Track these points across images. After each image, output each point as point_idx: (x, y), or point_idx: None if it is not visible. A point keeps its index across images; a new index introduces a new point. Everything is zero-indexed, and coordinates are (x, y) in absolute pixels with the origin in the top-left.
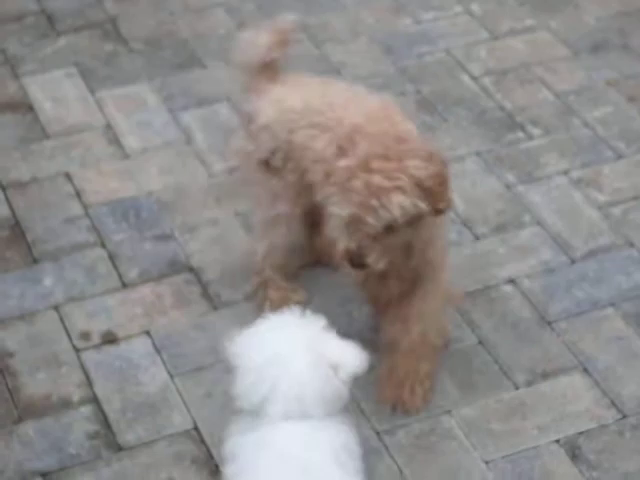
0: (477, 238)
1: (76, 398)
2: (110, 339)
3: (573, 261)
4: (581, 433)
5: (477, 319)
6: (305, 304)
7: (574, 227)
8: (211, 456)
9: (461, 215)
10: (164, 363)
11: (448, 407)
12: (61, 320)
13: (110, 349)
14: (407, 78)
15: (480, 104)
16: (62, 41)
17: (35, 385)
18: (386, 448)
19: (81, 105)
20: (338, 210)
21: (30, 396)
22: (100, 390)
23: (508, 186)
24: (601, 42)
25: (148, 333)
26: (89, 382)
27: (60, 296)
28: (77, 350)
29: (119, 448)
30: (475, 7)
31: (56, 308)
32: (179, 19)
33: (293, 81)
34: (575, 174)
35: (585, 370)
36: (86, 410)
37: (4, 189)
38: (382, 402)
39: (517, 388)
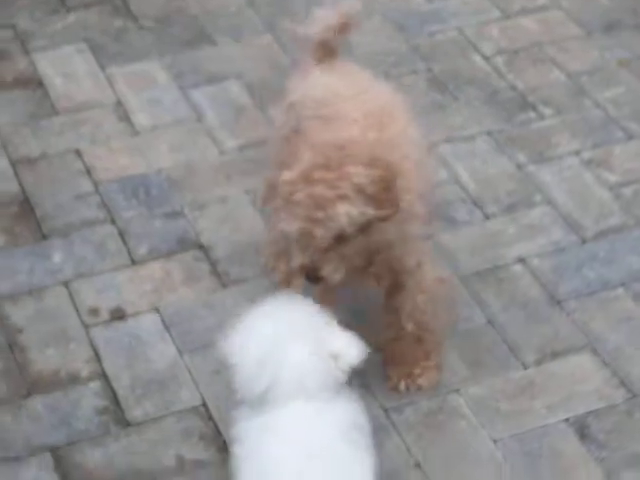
0: (487, 217)
1: (85, 374)
2: (119, 315)
3: (584, 241)
4: (590, 413)
5: (486, 298)
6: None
7: (585, 207)
8: (219, 432)
9: (472, 194)
10: (173, 340)
11: (456, 386)
12: (70, 296)
13: (119, 325)
14: (419, 56)
15: (492, 83)
16: (72, 17)
17: (44, 361)
18: (394, 426)
19: (91, 81)
20: (286, 226)
21: (39, 371)
22: (109, 366)
23: (519, 166)
24: (614, 22)
25: (157, 310)
26: (98, 358)
27: (69, 272)
28: (86, 326)
29: (127, 424)
30: None
31: (65, 284)
32: None
33: (338, 68)
34: (586, 154)
35: (594, 350)
36: (95, 386)
37: (13, 165)
38: (393, 385)
39: (526, 367)
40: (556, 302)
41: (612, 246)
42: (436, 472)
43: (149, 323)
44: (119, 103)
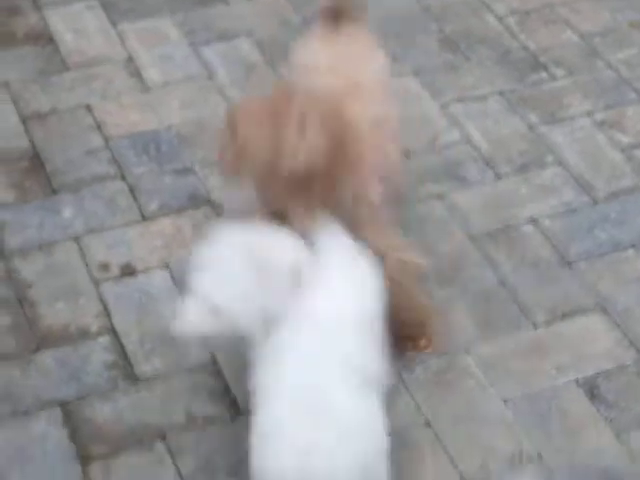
0: (499, 177)
1: (94, 329)
2: (129, 271)
3: (595, 202)
4: (599, 373)
5: (497, 258)
6: None
7: (597, 168)
8: (229, 389)
9: (483, 154)
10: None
11: (466, 345)
12: (80, 251)
13: (129, 281)
14: (431, 16)
15: (504, 44)
16: None
17: (53, 315)
18: (404, 384)
19: (102, 37)
20: (242, 181)
21: (48, 326)
22: (118, 321)
23: (531, 126)
24: None
25: (167, 266)
26: (107, 313)
27: (79, 227)
28: (96, 281)
29: (137, 379)
30: None
31: (75, 239)
32: None
33: (343, 35)
34: (598, 116)
35: (605, 311)
36: (104, 341)
37: (24, 120)
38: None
39: (536, 328)
40: (567, 263)
41: (623, 207)
42: (445, 431)
43: (159, 279)
44: (130, 59)
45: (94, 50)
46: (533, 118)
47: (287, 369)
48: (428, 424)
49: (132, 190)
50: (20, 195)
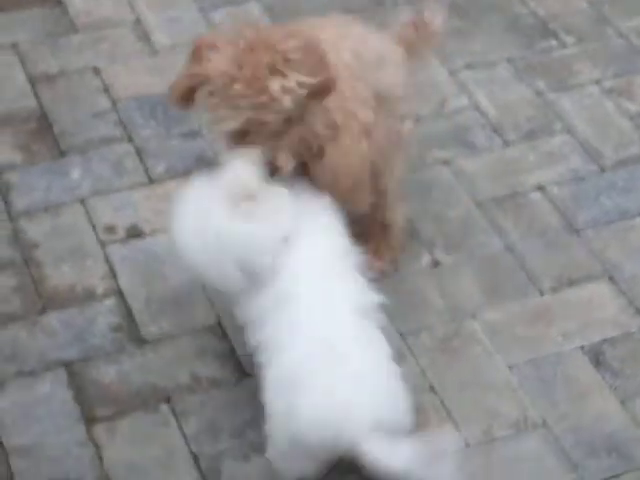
0: (507, 144)
1: (100, 290)
2: (136, 233)
3: (603, 170)
4: (605, 340)
5: (504, 225)
6: None
7: (605, 136)
8: (234, 351)
9: (491, 121)
10: None
11: (472, 311)
12: (87, 213)
13: (135, 243)
14: None
15: (513, 10)
16: None
17: (59, 276)
18: (409, 349)
19: (111, 0)
20: (232, 123)
21: (54, 287)
22: (124, 283)
23: (539, 93)
24: None
25: None
26: (113, 275)
27: (86, 189)
28: (102, 243)
29: (142, 341)
30: None
31: (82, 201)
32: None
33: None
34: (607, 83)
35: (611, 278)
36: (110, 302)
37: (32, 82)
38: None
39: (542, 294)
40: (574, 230)
41: (631, 175)
42: (450, 396)
43: (165, 242)
44: (138, 22)
45: (102, 12)
46: (541, 85)
47: (298, 320)
48: (433, 389)
49: (139, 153)
50: (27, 157)
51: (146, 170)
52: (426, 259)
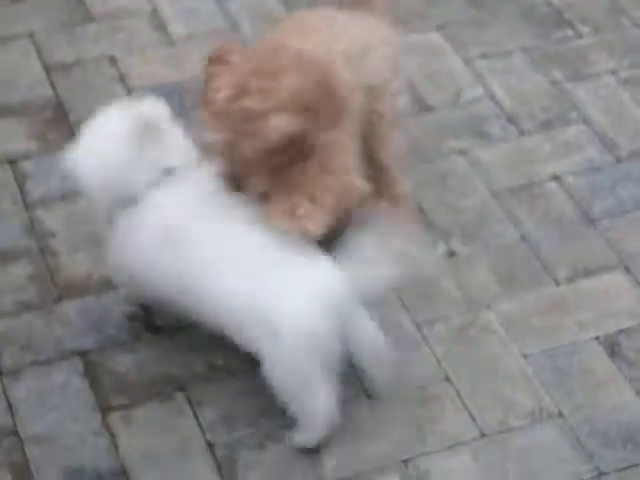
0: (522, 134)
1: None
2: None
3: (618, 160)
4: (621, 331)
5: (520, 215)
6: None
7: (620, 126)
8: None
9: (506, 111)
10: None
11: (488, 301)
12: None
13: None
14: None
15: (529, 0)
16: None
17: (75, 265)
18: (425, 339)
19: None
20: (211, 136)
21: (70, 276)
22: None
23: (555, 83)
24: None
25: None
26: None
27: None
28: None
29: (158, 330)
30: None
31: None
32: None
33: (351, 21)
34: (623, 74)
35: (627, 269)
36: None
37: (47, 70)
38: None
39: (558, 284)
40: (590, 220)
41: None
42: (466, 386)
43: None
44: (155, 11)
45: (119, 2)
46: (557, 75)
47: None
48: (448, 379)
49: None
50: (43, 146)
51: None
52: (442, 249)
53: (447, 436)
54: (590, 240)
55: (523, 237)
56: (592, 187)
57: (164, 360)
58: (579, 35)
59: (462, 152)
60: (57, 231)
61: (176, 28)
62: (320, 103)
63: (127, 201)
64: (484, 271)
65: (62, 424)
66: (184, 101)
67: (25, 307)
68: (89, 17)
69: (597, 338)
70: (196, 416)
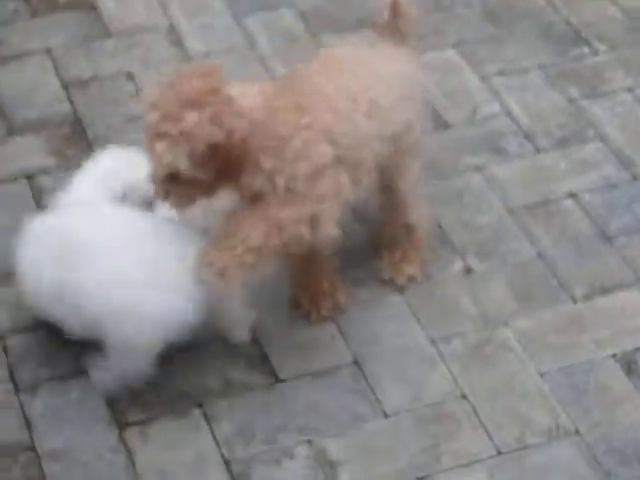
0: (538, 151)
1: None
2: None
3: (635, 178)
4: (638, 349)
5: (536, 232)
6: None
7: (637, 144)
8: (266, 356)
9: (523, 128)
10: None
11: (504, 318)
12: None
13: None
14: None
15: (546, 17)
16: None
17: None
18: (441, 356)
19: (144, 5)
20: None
21: None
22: None
23: (571, 100)
24: None
25: None
26: None
27: None
28: None
29: (173, 345)
30: None
31: None
32: None
33: (376, 54)
34: (639, 91)
35: None
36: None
37: (66, 87)
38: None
39: (575, 302)
40: (606, 238)
41: None
42: (482, 403)
43: None
44: (172, 28)
45: (136, 18)
46: (574, 92)
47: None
48: (465, 396)
49: None
50: (61, 161)
51: None
52: (458, 266)
53: (463, 454)
54: (606, 258)
55: (539, 254)
56: (608, 205)
57: (180, 376)
58: (595, 52)
59: (478, 169)
60: None
61: (193, 44)
62: (205, 160)
63: None
64: (501, 288)
65: (79, 440)
66: None
67: (41, 323)
68: (106, 33)
69: (614, 356)
70: (212, 432)
